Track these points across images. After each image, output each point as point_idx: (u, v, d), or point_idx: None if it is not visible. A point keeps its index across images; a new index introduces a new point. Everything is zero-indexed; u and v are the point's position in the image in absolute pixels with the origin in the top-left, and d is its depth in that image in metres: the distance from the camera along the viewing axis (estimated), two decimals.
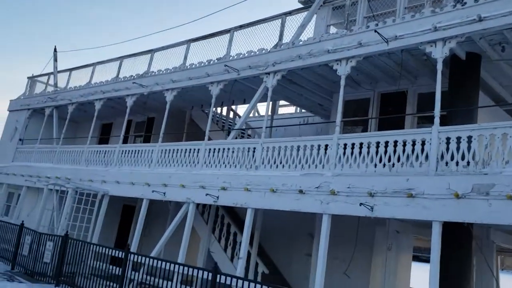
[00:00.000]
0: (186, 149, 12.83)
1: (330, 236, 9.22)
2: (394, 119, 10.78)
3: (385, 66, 10.59)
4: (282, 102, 17.59)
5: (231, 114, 18.21)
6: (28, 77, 22.35)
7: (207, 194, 11.28)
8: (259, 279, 12.60)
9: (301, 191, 9.60)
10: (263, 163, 10.81)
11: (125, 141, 18.94)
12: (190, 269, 10.07)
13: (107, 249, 12.24)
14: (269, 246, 14.39)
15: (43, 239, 13.93)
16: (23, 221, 15.28)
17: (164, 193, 12.72)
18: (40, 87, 21.93)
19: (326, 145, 9.76)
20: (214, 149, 12.09)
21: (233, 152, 11.59)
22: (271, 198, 10.15)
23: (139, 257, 11.19)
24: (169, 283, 10.98)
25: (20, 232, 15.02)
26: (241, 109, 17.64)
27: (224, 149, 11.83)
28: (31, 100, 20.69)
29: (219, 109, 17.61)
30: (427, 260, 8.48)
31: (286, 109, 18.14)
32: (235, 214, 14.85)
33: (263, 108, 17.33)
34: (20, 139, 20.42)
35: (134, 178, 13.92)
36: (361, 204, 8.50)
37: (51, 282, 13.20)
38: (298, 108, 17.22)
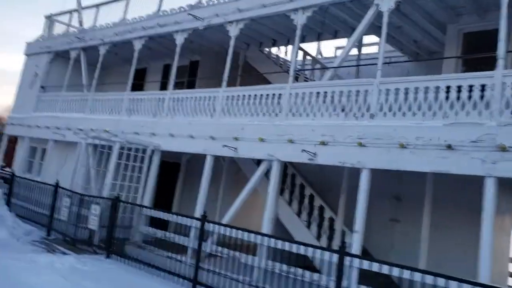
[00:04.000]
0: (262, 95, 10.34)
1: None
2: None
3: None
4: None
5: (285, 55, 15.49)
6: (45, 16, 19.51)
7: (303, 150, 8.89)
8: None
9: (449, 147, 7.21)
10: (381, 110, 8.36)
11: (163, 87, 16.50)
12: (299, 247, 7.84)
13: (169, 215, 10.05)
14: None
15: (85, 201, 11.75)
16: (58, 181, 13.04)
17: (236, 149, 10.37)
18: (59, 29, 19.16)
19: (483, 86, 7.27)
20: (304, 93, 9.60)
21: (332, 96, 9.11)
22: (400, 156, 7.77)
23: (220, 227, 8.95)
24: (253, 257, 8.86)
25: (55, 193, 12.82)
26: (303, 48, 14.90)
27: (318, 93, 9.35)
28: (53, 41, 17.97)
29: (274, 49, 14.88)
30: None
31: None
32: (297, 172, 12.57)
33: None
34: (41, 86, 17.88)
35: (193, 130, 11.53)
36: None
37: (99, 252, 11.14)
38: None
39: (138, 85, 17.20)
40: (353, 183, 10.98)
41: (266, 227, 9.45)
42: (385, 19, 8.71)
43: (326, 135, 8.83)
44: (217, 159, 14.42)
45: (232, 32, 11.46)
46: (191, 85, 15.21)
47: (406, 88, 8.08)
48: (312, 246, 7.99)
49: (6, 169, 20.97)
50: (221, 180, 14.38)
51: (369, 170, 8.19)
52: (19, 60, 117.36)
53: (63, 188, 12.74)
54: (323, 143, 8.82)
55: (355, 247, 7.90)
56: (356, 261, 6.87)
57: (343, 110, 8.85)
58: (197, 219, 9.24)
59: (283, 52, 14.61)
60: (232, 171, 14.50)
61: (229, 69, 13.29)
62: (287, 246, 8.19)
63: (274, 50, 14.65)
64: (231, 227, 8.91)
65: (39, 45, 18.62)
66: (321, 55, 16.02)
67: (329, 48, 48.14)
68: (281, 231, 12.26)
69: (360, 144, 8.29)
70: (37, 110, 17.57)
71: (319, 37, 12.59)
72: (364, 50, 13.26)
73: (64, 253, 10.94)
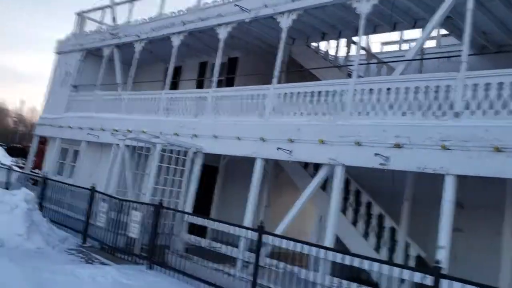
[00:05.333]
0: (321, 92, 9.37)
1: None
2: None
3: None
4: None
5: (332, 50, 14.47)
6: (76, 13, 18.91)
7: (376, 154, 7.88)
8: (412, 264, 9.44)
9: None
10: (467, 108, 7.31)
11: (199, 85, 15.67)
12: (373, 264, 6.83)
13: (221, 224, 9.15)
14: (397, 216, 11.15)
15: (125, 207, 10.96)
16: (94, 184, 12.30)
17: (291, 152, 9.42)
18: (90, 26, 18.54)
19: None
20: (371, 89, 8.59)
21: (406, 93, 8.09)
22: (494, 161, 6.72)
23: (280, 240, 7.99)
24: (315, 273, 7.90)
25: (91, 198, 12.07)
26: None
27: (389, 89, 8.33)
28: (85, 38, 17.31)
29: (323, 44, 13.88)
30: None
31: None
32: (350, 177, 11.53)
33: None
34: (73, 86, 17.24)
35: (240, 131, 10.63)
36: None
37: (139, 262, 10.32)
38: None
39: (172, 84, 16.42)
40: (419, 189, 10.01)
41: (329, 241, 8.46)
42: (470, 6, 7.64)
43: (401, 136, 7.81)
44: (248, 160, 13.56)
45: (283, 23, 10.52)
46: (229, 83, 14.33)
47: (500, 83, 7.01)
48: (398, 265, 6.97)
49: (35, 171, 20.42)
50: (264, 185, 13.43)
51: (455, 176, 7.14)
52: (31, 60, 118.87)
53: (99, 192, 11.99)
54: (397, 146, 7.80)
55: (444, 265, 6.85)
56: (458, 286, 5.83)
57: (420, 108, 7.82)
58: (253, 230, 8.30)
59: (333, 46, 13.58)
60: (272, 174, 13.59)
61: (274, 65, 12.50)
62: (357, 262, 7.22)
63: (322, 45, 13.64)
64: (291, 239, 7.96)
65: (71, 42, 18.01)
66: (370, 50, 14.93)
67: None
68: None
69: (444, 147, 7.25)
70: (69, 110, 16.93)
71: (375, 30, 11.54)
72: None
73: (103, 263, 10.16)
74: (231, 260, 9.41)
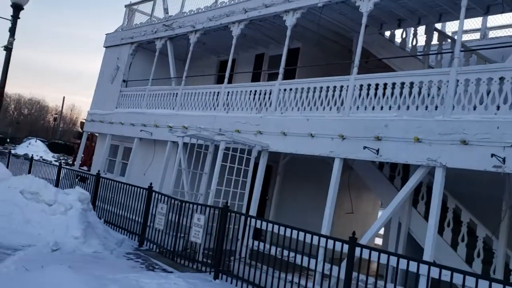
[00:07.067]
0: (413, 82, 8.20)
1: None
2: None
3: None
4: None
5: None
6: (125, 5, 18.30)
7: (492, 155, 6.68)
8: None
9: None
10: None
11: (254, 79, 14.71)
12: None
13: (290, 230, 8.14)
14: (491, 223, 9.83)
15: (185, 209, 10.13)
16: (151, 184, 11.54)
17: (377, 150, 8.31)
18: (139, 19, 17.88)
19: None
20: (479, 79, 7.36)
21: None
22: None
23: (378, 253, 6.90)
24: None
25: (148, 198, 11.32)
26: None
27: (502, 78, 7.08)
28: (135, 31, 16.64)
29: (398, 32, 12.60)
30: None
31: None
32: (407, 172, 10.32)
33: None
34: (123, 81, 16.63)
35: (313, 127, 9.58)
36: None
37: (204, 270, 9.47)
38: None
39: (224, 78, 15.57)
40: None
41: (428, 256, 7.32)
42: None
43: None
44: (323, 161, 12.49)
45: (363, 7, 9.40)
46: (289, 76, 13.28)
47: None
48: None
49: (83, 168, 20.05)
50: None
51: None
52: (71, 58, 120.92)
53: (158, 192, 11.21)
54: None
55: None
56: None
57: None
58: (344, 241, 7.24)
59: (410, 34, 12.28)
60: (330, 174, 12.51)
61: (336, 55, 11.44)
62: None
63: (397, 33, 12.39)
64: (392, 253, 6.87)
65: (120, 35, 17.39)
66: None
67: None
68: (411, 249, 10.16)
69: None
70: (120, 105, 16.32)
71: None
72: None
73: (165, 270, 9.38)
74: (295, 269, 8.43)
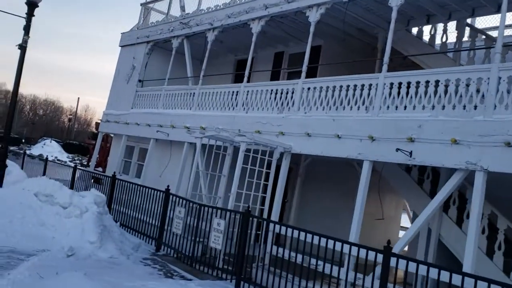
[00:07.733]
0: (449, 80, 7.67)
1: None
2: None
3: None
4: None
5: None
6: (141, 4, 18.00)
7: None
8: None
9: None
10: None
11: (274, 78, 14.24)
12: None
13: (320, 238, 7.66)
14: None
15: (204, 213, 9.71)
16: (168, 186, 11.15)
17: (410, 153, 7.79)
18: (155, 17, 17.56)
19: None
20: None
21: None
22: None
23: (416, 264, 6.37)
24: None
25: (166, 201, 10.92)
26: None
27: None
28: (151, 29, 16.30)
29: (425, 28, 12.02)
30: None
31: None
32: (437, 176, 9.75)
33: None
34: (139, 80, 16.30)
35: (340, 128, 9.09)
36: None
37: (223, 277, 9.03)
38: None
39: (241, 77, 15.14)
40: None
41: (468, 267, 6.79)
42: None
43: None
44: (347, 163, 11.99)
45: (393, 1, 8.87)
46: (311, 74, 12.79)
47: None
48: None
49: (98, 169, 19.77)
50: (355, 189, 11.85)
51: None
52: (85, 59, 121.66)
53: (175, 195, 10.82)
54: None
55: None
56: None
57: None
58: (378, 251, 6.73)
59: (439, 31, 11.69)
60: (354, 176, 11.99)
61: (359, 53, 10.88)
62: None
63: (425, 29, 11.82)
64: (431, 265, 6.35)
65: (136, 34, 17.07)
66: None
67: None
68: (442, 258, 9.61)
69: None
70: (136, 106, 15.99)
71: (498, 10, 9.64)
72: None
73: (184, 277, 8.95)
74: (316, 276, 7.96)
